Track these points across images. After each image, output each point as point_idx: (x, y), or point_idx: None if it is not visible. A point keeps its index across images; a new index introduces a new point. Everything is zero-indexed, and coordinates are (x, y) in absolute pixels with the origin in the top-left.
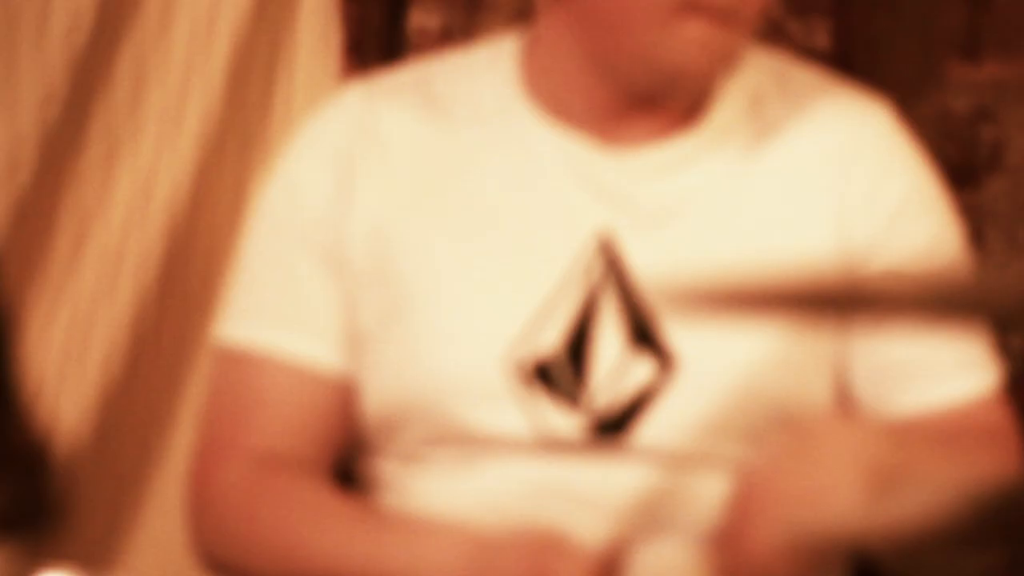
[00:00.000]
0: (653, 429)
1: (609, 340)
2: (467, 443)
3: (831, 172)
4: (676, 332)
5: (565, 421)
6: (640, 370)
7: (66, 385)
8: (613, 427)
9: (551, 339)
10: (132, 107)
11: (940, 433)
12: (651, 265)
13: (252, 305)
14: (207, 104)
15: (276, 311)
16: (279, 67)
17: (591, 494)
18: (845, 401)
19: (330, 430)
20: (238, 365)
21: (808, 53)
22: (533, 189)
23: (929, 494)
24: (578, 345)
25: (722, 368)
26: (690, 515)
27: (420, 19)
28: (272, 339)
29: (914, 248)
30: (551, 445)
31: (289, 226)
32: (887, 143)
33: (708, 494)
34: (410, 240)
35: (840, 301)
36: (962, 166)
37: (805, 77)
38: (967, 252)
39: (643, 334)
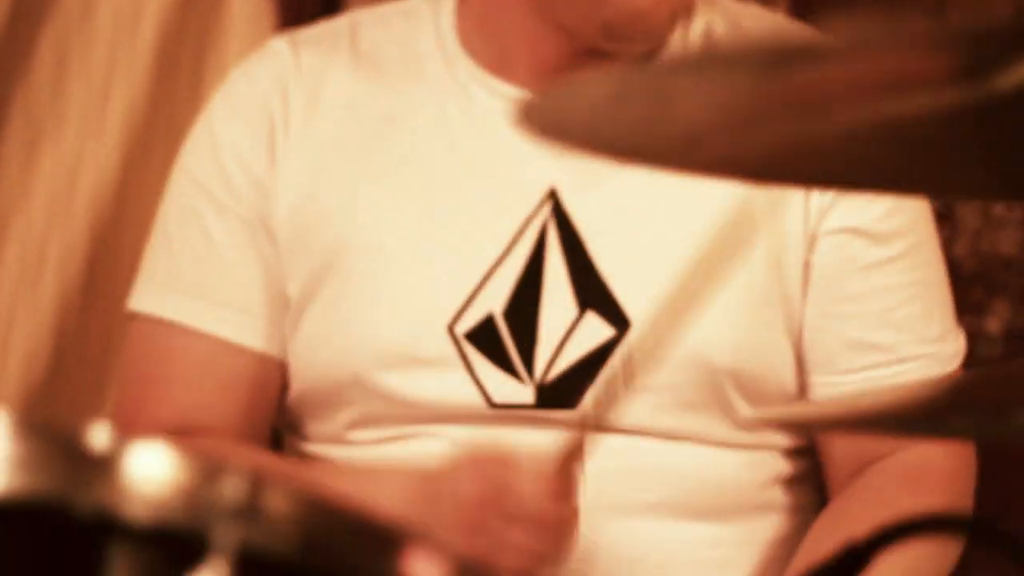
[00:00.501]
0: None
1: (558, 302)
2: (406, 419)
3: None
4: (628, 293)
5: (514, 387)
6: (591, 333)
7: None
8: (564, 392)
9: (498, 302)
10: (54, 95)
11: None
12: (599, 222)
13: (167, 272)
14: (133, 92)
15: (192, 280)
16: (209, 54)
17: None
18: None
19: (255, 404)
20: (153, 334)
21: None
22: (473, 147)
23: None
24: (526, 307)
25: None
26: (645, 484)
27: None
28: (188, 311)
29: (874, 198)
30: (500, 413)
31: (207, 188)
32: None
33: (662, 464)
34: (342, 202)
35: None
36: None
37: (761, 24)
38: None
39: (593, 295)
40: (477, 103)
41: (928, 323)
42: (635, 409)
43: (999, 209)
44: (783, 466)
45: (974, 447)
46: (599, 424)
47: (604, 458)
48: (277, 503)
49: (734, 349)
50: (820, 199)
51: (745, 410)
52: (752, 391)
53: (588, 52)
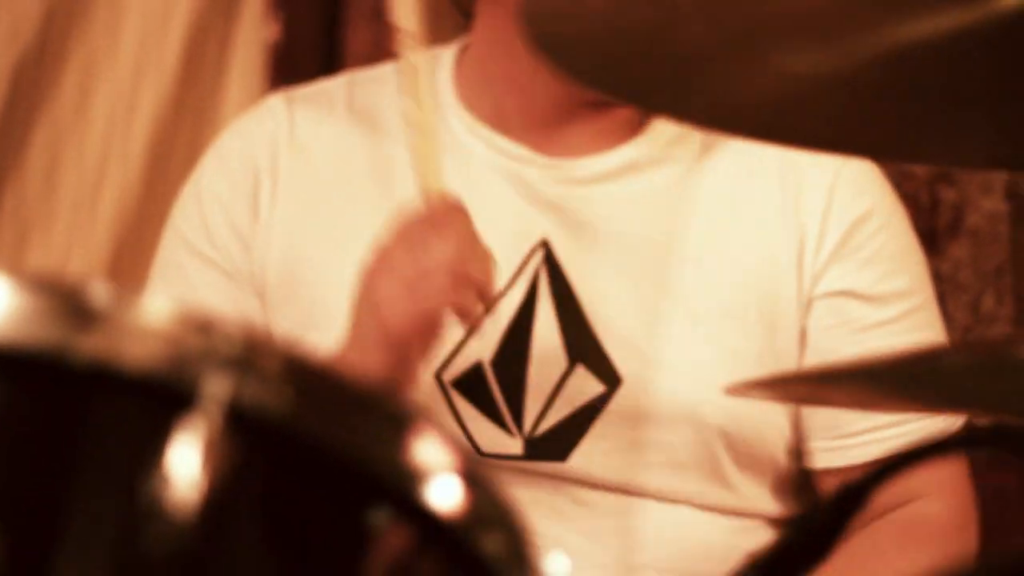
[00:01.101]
0: (592, 451)
1: (548, 354)
2: None
3: (784, 186)
4: (619, 350)
5: (502, 439)
6: (581, 387)
7: None
8: (553, 445)
9: (487, 351)
10: (78, 107)
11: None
12: (592, 276)
13: None
14: (161, 88)
15: None
16: (231, 54)
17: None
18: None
19: None
20: None
21: None
22: (468, 200)
23: None
24: (515, 357)
25: (667, 389)
26: (633, 543)
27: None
28: None
29: (869, 261)
30: (489, 462)
31: (190, 242)
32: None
33: (651, 524)
34: (329, 254)
35: None
36: (922, 230)
37: None
38: (927, 280)
39: (584, 350)
40: (474, 156)
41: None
42: (627, 466)
43: (988, 305)
44: (772, 536)
45: (974, 502)
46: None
47: (593, 516)
48: (270, 360)
49: (726, 409)
50: (814, 262)
51: (735, 476)
52: (743, 455)
53: (581, 105)
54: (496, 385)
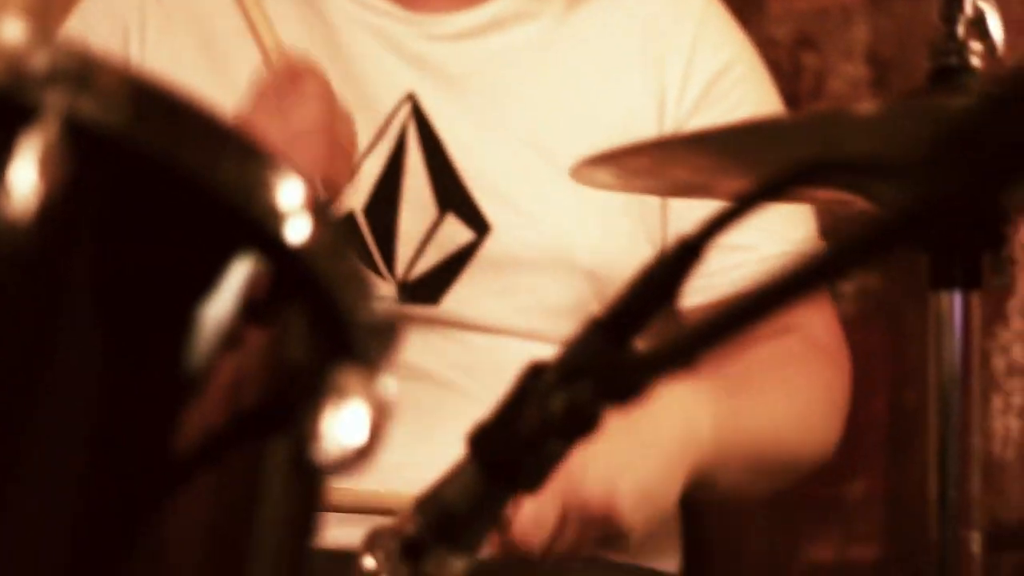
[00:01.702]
0: (464, 295)
1: (418, 203)
2: None
3: (647, 39)
4: (487, 198)
5: (375, 284)
6: (451, 235)
7: None
8: (425, 290)
9: (359, 199)
10: None
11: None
12: (459, 128)
13: None
14: None
15: None
16: None
17: (405, 360)
18: None
19: None
20: None
21: None
22: (334, 52)
23: None
24: (386, 206)
25: (535, 236)
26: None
27: None
28: None
29: (731, 111)
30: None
31: None
32: (707, 10)
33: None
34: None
35: None
36: (785, 95)
37: None
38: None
39: (453, 198)
40: (338, 11)
41: (791, 226)
42: (497, 310)
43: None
44: None
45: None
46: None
47: (466, 352)
48: (111, 78)
49: (594, 253)
50: (676, 112)
51: None
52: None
53: None
54: (368, 232)
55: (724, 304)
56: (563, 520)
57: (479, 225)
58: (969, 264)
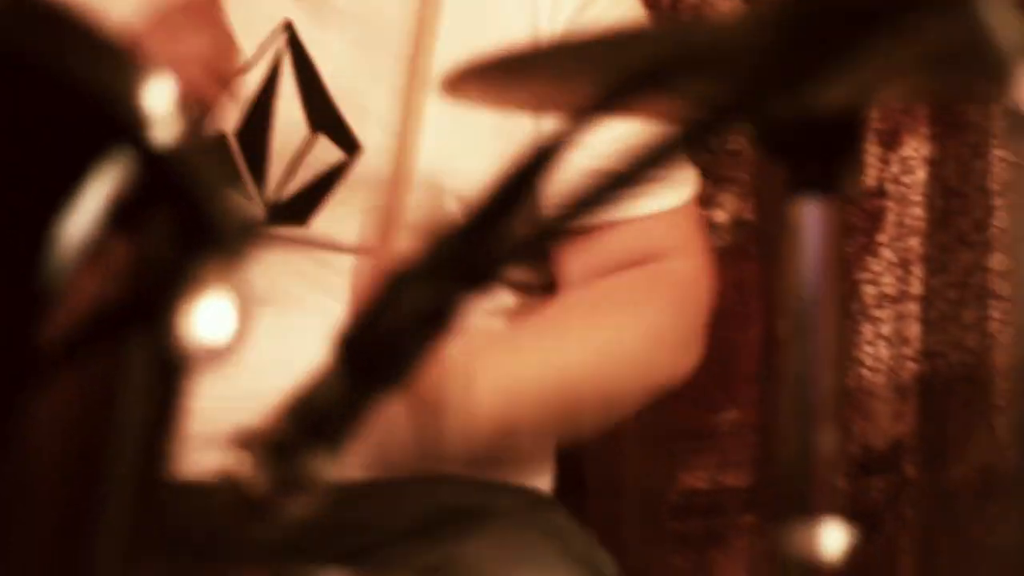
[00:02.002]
0: (333, 217)
1: (290, 124)
2: None
3: None
4: (358, 119)
5: (245, 205)
6: (322, 155)
7: None
8: (294, 211)
9: (230, 122)
10: None
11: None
12: (333, 54)
13: None
14: None
15: None
16: None
17: (273, 282)
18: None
19: None
20: None
21: None
22: None
23: None
24: (258, 128)
25: (407, 159)
26: None
27: None
28: None
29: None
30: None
31: None
32: None
33: None
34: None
35: None
36: None
37: None
38: None
39: (324, 119)
40: None
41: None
42: (366, 230)
43: None
44: (509, 299)
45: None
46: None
47: (336, 275)
48: None
49: (464, 173)
50: (550, 32)
51: None
52: None
53: None
54: (239, 153)
55: (569, 191)
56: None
57: (349, 146)
58: (823, 169)
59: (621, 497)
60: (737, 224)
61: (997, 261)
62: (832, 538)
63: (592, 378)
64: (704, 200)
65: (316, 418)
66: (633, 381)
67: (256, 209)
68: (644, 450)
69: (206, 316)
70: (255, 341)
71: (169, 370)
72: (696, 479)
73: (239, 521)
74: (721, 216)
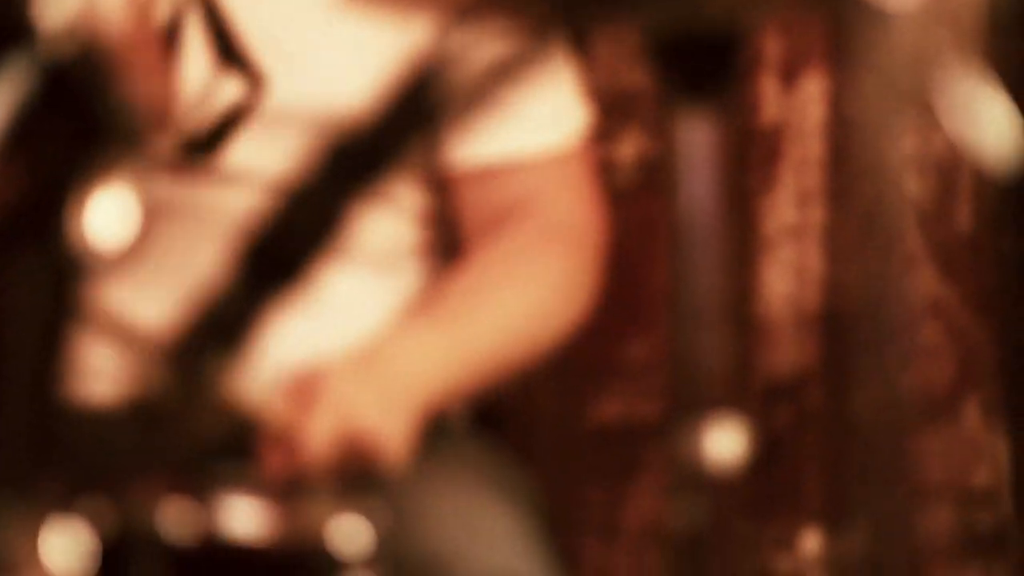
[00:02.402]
0: (244, 150)
1: (195, 60)
2: None
3: None
4: (266, 51)
5: (155, 141)
6: (228, 89)
7: None
8: (200, 148)
9: (141, 53)
10: None
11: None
12: None
13: None
14: None
15: None
16: None
17: (181, 217)
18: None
19: None
20: None
21: None
22: None
23: None
24: (162, 68)
25: (312, 91)
26: None
27: None
28: None
29: None
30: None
31: None
32: None
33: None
34: None
35: None
36: None
37: None
38: None
39: (230, 53)
40: None
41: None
42: (275, 163)
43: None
44: (412, 229)
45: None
46: None
47: (239, 209)
48: None
49: (356, 95)
50: None
51: None
52: None
53: None
54: (148, 87)
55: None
56: (340, 449)
57: (256, 79)
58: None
59: (534, 431)
60: (641, 161)
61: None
62: (726, 442)
63: (509, 344)
64: (607, 136)
65: (217, 323)
66: (544, 335)
67: (167, 144)
68: (556, 384)
69: (101, 220)
70: (170, 277)
71: (65, 275)
72: (608, 410)
73: (144, 430)
74: (625, 152)
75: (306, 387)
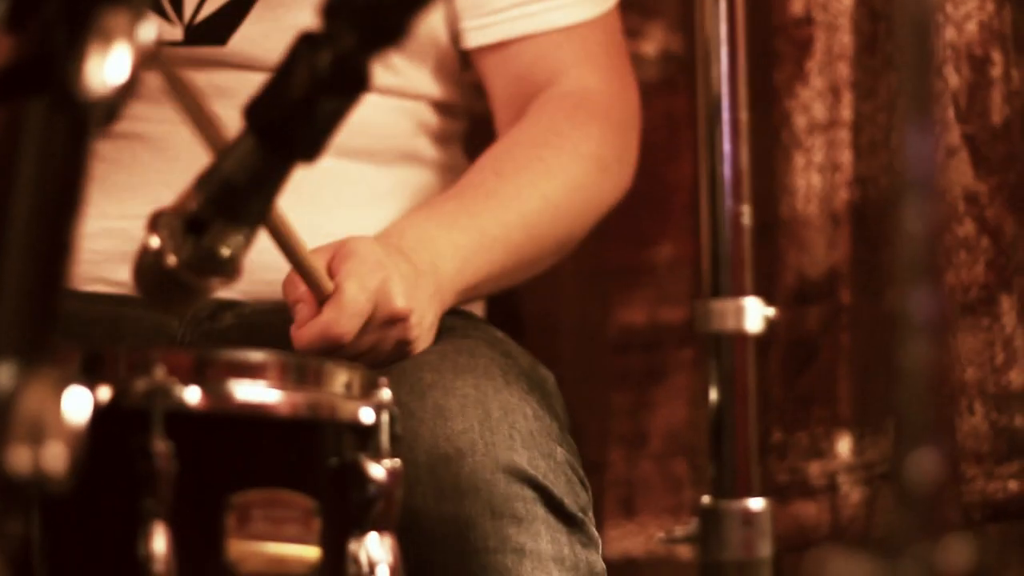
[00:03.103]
0: (252, 35)
1: None
2: None
3: None
4: None
5: (163, 27)
6: None
7: None
8: (211, 34)
9: None
10: None
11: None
12: None
13: None
14: None
15: None
16: None
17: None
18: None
19: None
20: None
21: None
22: None
23: None
24: None
25: None
26: None
27: None
28: None
29: None
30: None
31: None
32: None
33: None
34: None
35: None
36: None
37: None
38: None
39: None
40: None
41: None
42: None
43: None
44: (432, 119)
45: (633, 79)
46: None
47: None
48: None
49: None
50: None
51: (397, 58)
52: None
53: None
54: None
55: None
56: (370, 322)
57: None
58: None
59: (558, 336)
60: (665, 57)
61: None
62: (752, 313)
63: (548, 223)
64: (632, 32)
65: (229, 193)
66: (583, 214)
67: (175, 31)
68: (580, 288)
69: (107, 62)
70: (176, 158)
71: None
72: (633, 315)
73: (156, 302)
74: (649, 49)
75: (341, 251)
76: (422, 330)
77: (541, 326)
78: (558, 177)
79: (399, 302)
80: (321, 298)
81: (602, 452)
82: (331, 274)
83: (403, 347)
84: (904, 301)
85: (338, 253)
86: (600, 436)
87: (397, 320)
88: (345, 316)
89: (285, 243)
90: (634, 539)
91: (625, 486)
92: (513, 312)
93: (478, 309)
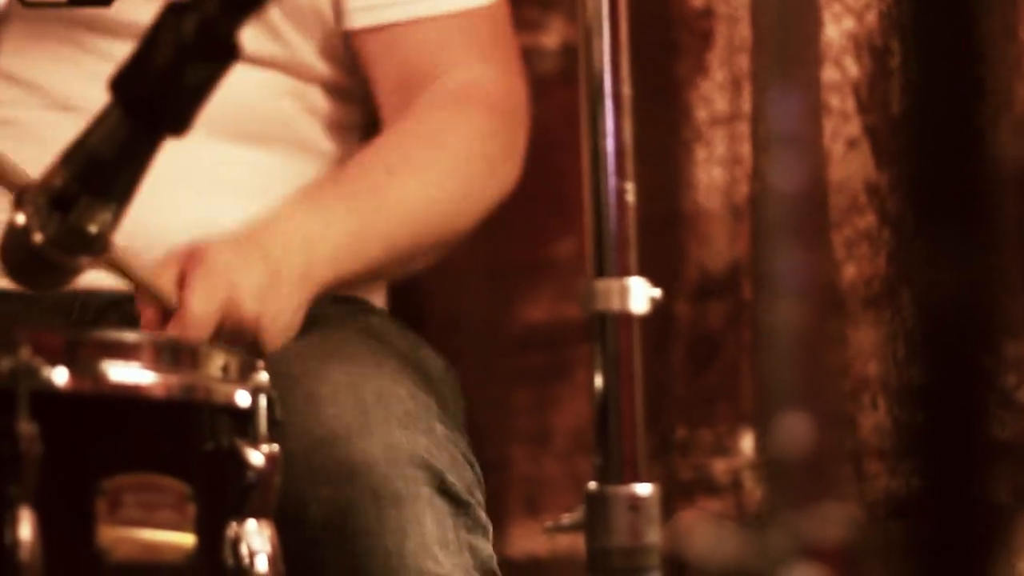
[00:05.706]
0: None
1: None
2: None
3: None
4: None
5: None
6: None
7: None
8: None
9: None
10: None
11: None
12: None
13: None
14: None
15: None
16: None
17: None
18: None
19: None
20: None
21: None
22: None
23: None
24: None
25: None
26: None
27: None
28: None
29: None
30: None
31: None
32: None
33: None
34: None
35: None
36: None
37: None
38: None
39: None
40: None
41: None
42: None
43: None
44: (324, 104)
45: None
46: None
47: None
48: None
49: None
50: None
51: (284, 27)
52: (290, 6)
53: None
54: None
55: None
56: (219, 328)
57: None
58: None
59: (460, 333)
60: (565, 49)
61: (827, 76)
62: (637, 293)
63: (421, 220)
64: (531, 25)
65: (96, 168)
66: (468, 214)
67: None
68: (481, 285)
69: None
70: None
71: None
72: (536, 312)
73: (24, 281)
74: (549, 41)
75: (189, 261)
76: (276, 330)
77: (444, 324)
78: (448, 179)
79: (247, 308)
80: (168, 313)
81: (506, 450)
82: (181, 283)
83: (255, 348)
84: (771, 261)
85: (188, 260)
86: (503, 434)
87: (247, 326)
88: (190, 333)
89: (120, 268)
90: (539, 539)
91: (529, 484)
92: (416, 310)
93: (379, 301)
